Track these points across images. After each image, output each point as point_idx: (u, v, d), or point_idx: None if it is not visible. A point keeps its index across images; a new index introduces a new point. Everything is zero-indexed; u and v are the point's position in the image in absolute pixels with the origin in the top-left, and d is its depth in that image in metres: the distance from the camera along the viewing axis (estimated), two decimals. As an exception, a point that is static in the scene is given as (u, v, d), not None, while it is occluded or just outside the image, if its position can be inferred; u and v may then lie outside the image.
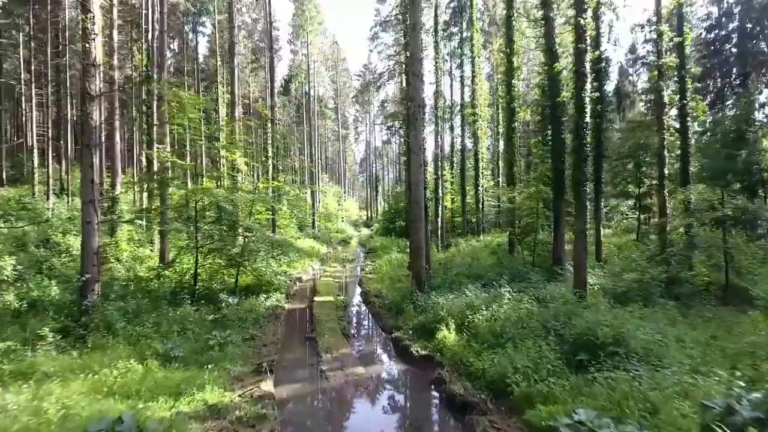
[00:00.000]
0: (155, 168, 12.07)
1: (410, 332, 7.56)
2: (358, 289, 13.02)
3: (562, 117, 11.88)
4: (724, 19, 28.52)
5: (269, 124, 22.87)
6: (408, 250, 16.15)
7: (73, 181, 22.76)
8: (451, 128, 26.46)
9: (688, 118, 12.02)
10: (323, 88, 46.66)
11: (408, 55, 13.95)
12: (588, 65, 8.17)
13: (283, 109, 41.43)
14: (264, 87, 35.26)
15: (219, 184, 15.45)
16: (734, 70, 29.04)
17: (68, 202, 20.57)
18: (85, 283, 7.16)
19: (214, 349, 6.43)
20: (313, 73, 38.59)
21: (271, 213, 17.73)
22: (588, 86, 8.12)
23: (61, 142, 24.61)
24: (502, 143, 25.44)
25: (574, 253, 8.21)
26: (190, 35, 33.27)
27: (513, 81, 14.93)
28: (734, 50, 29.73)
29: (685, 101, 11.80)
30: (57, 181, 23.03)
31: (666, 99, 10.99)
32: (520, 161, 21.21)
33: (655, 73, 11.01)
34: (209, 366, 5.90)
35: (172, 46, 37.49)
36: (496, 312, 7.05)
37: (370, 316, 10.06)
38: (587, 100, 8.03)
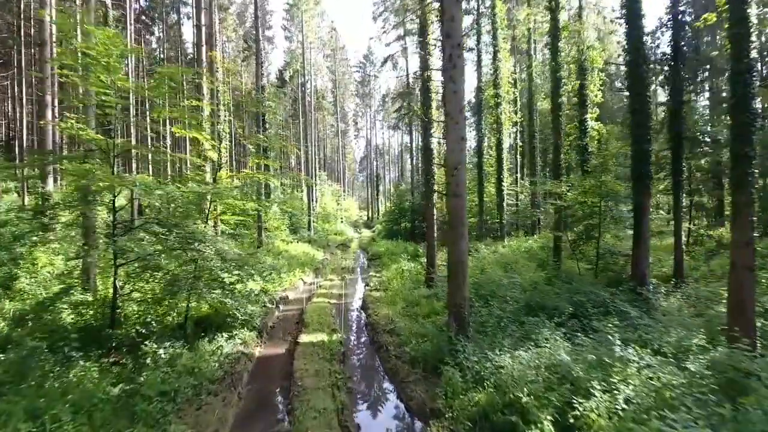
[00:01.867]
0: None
1: (462, 429, 4.13)
2: (362, 318, 9.57)
3: (647, 79, 8.62)
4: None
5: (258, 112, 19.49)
6: (424, 259, 12.72)
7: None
8: (464, 118, 23.39)
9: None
10: (321, 79, 43.35)
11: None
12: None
13: (279, 102, 38.12)
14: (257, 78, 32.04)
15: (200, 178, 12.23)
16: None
17: (23, 200, 17.70)
18: None
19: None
20: (310, 61, 35.28)
21: (256, 213, 14.48)
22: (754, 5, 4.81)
23: (18, 134, 21.57)
24: (519, 135, 22.19)
25: (733, 275, 4.91)
26: (173, 15, 30.05)
27: (560, 44, 11.66)
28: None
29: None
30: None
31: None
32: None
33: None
34: None
35: (156, 33, 34.43)
36: (622, 393, 3.78)
37: (383, 375, 6.42)
38: (755, 22, 4.72)
